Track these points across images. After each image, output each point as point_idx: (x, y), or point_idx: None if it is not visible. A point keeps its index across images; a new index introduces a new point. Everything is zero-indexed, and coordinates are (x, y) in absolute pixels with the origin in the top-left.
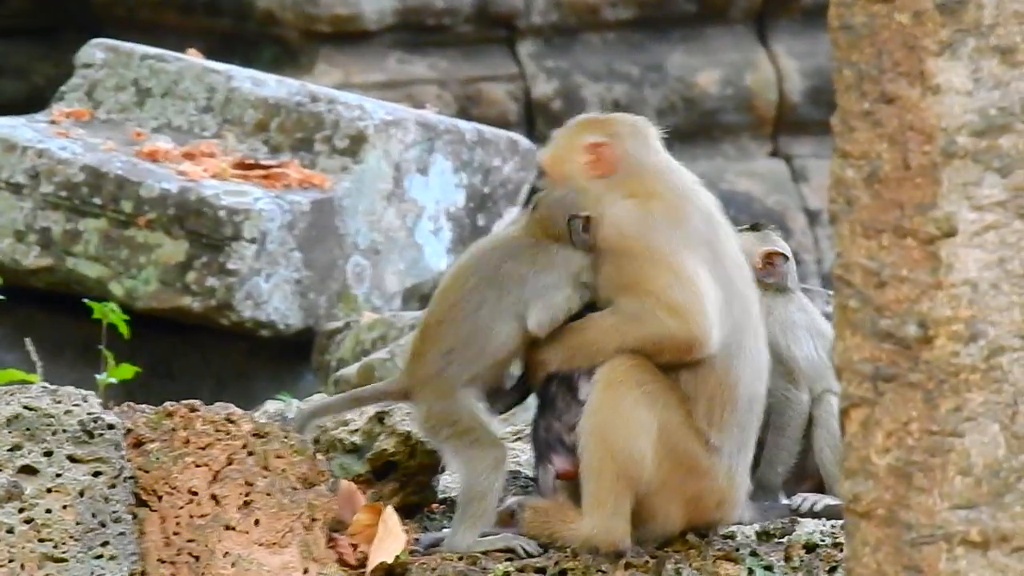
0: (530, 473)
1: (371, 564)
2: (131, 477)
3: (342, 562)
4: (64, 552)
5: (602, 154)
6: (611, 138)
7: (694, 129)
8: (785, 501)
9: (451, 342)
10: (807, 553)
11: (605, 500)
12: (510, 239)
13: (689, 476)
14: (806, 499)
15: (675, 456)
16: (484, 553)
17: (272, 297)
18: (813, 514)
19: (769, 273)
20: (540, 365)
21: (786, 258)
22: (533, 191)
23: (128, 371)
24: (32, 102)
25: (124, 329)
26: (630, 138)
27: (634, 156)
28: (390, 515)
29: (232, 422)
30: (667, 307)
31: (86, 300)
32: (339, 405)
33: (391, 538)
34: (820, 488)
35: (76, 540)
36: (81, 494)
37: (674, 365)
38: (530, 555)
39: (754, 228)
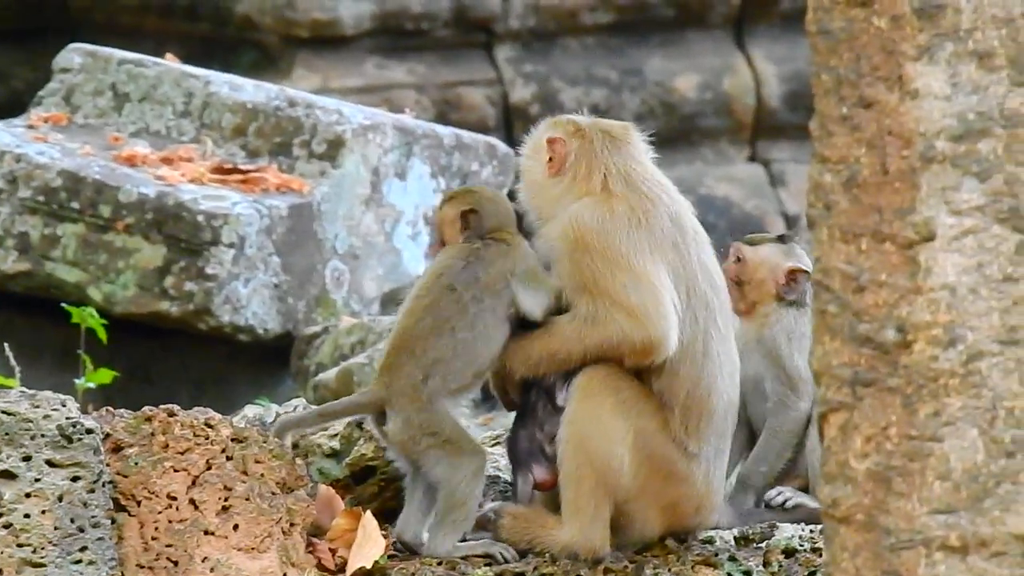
0: (509, 478)
1: (350, 569)
2: (110, 482)
3: (321, 567)
4: (43, 557)
5: (556, 151)
6: (570, 136)
7: (673, 134)
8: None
9: (436, 354)
10: (786, 558)
11: (584, 507)
12: (472, 249)
13: (667, 482)
14: (781, 492)
15: (653, 463)
16: (463, 558)
17: (251, 302)
18: (783, 508)
19: (791, 290)
20: (508, 373)
21: (808, 275)
22: (511, 195)
23: (107, 376)
24: (10, 106)
25: (102, 334)
26: (596, 139)
27: (599, 156)
28: (369, 520)
29: (211, 427)
30: (624, 309)
31: (64, 305)
32: (311, 420)
33: (370, 543)
34: (805, 489)
35: (55, 545)
36: (60, 499)
37: (641, 370)
38: (507, 561)
39: (781, 239)
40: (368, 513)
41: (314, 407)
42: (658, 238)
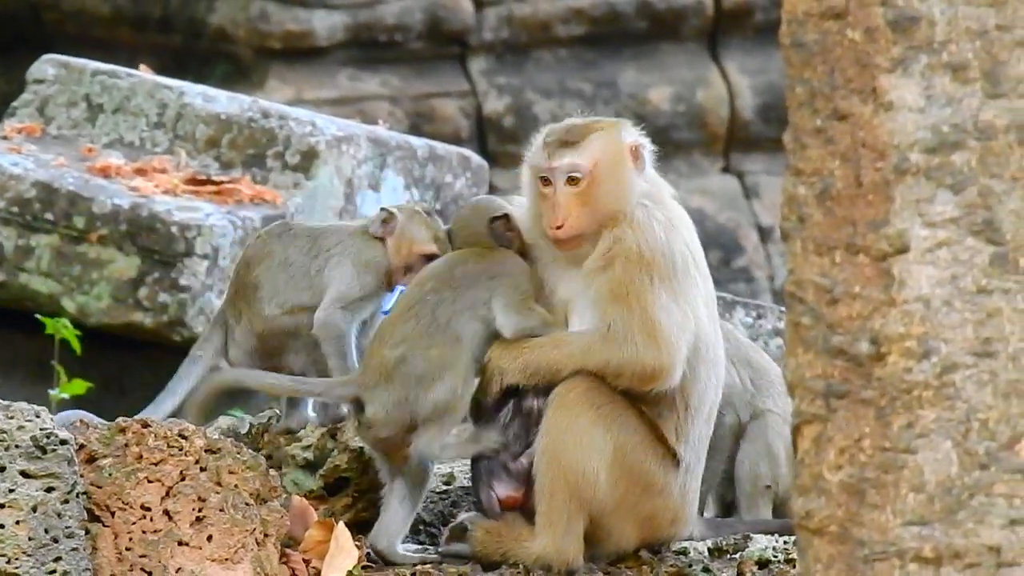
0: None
1: None
2: (84, 493)
3: None
4: (17, 567)
5: (643, 154)
6: (642, 144)
7: None
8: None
9: (405, 332)
10: (760, 569)
11: (557, 520)
12: (459, 254)
13: (644, 495)
14: None
15: (631, 476)
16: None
17: None
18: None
19: None
20: (497, 373)
21: None
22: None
23: (80, 386)
24: None
25: (76, 345)
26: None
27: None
28: (342, 531)
29: (184, 438)
30: (646, 330)
31: (38, 316)
32: (282, 387)
33: (343, 554)
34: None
35: (29, 555)
36: (34, 509)
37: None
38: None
39: None
40: (341, 524)
41: (288, 378)
42: (694, 248)
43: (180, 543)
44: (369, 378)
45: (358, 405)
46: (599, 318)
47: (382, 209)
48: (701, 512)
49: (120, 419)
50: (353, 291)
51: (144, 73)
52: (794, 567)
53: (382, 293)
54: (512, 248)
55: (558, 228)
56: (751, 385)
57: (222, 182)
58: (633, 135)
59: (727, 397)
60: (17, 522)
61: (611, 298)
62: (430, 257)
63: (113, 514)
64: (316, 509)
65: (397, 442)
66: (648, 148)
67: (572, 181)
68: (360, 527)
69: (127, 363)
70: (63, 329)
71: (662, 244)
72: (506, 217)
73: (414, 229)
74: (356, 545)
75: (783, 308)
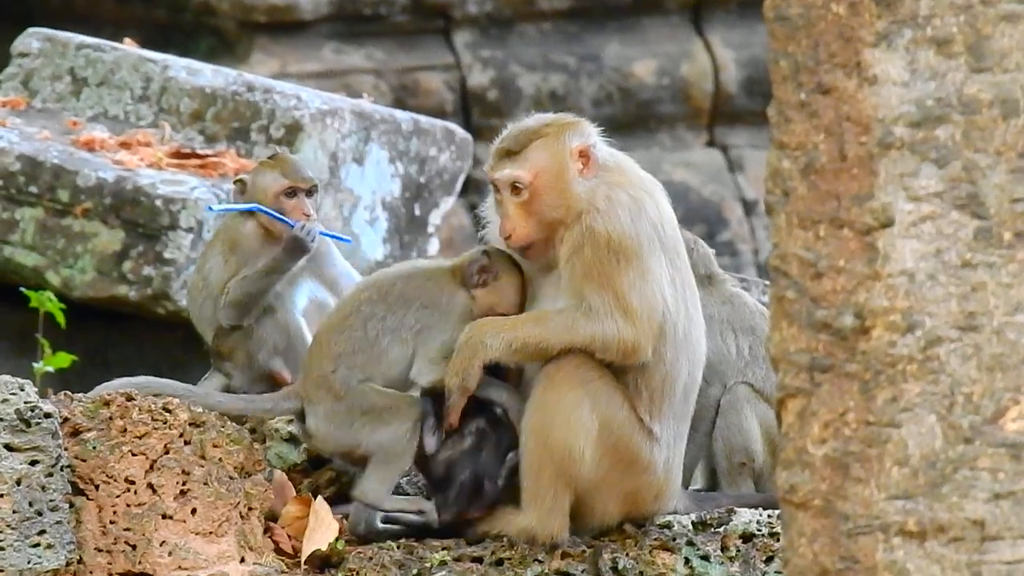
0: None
1: (304, 553)
2: (68, 466)
3: (279, 551)
4: (1, 540)
5: (592, 157)
6: (594, 143)
7: (630, 119)
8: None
9: (340, 347)
10: (744, 543)
11: (543, 496)
12: (419, 267)
13: (628, 472)
14: None
15: (616, 453)
16: (396, 512)
17: None
18: None
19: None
20: (479, 348)
21: None
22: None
23: (65, 360)
24: None
25: (61, 318)
26: (595, 135)
27: (607, 152)
28: (320, 505)
29: (169, 411)
30: (622, 308)
31: (23, 289)
32: (232, 407)
33: (323, 527)
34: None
35: (13, 528)
36: (18, 483)
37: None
38: (435, 525)
39: None
40: (319, 499)
41: (236, 397)
42: (668, 232)
43: (164, 516)
44: (310, 391)
45: (301, 415)
46: (575, 298)
47: (235, 181)
48: (687, 485)
49: (104, 392)
50: (227, 273)
51: (129, 47)
52: (778, 541)
53: (261, 255)
54: (473, 291)
55: (508, 237)
56: (748, 354)
57: (207, 156)
58: (581, 138)
59: (715, 367)
60: (1, 495)
61: (585, 279)
62: (287, 192)
63: (97, 487)
64: (300, 483)
65: (345, 455)
66: (600, 147)
67: (515, 191)
68: (343, 500)
69: (111, 336)
70: (47, 302)
71: (627, 227)
72: (489, 261)
73: (263, 178)
74: (336, 518)
75: (767, 282)
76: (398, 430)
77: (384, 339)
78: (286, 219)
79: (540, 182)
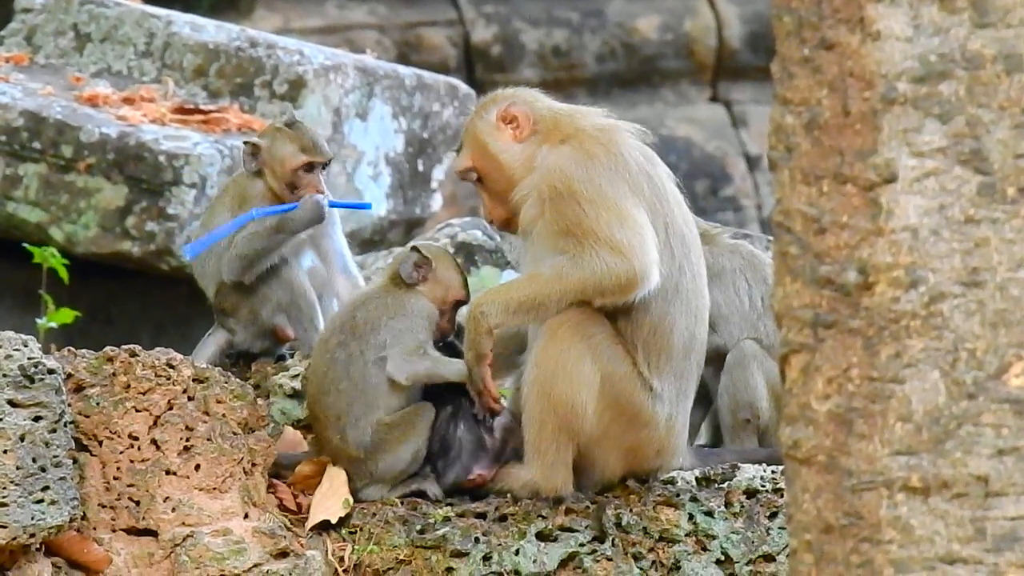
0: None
1: (312, 520)
2: (71, 422)
3: (282, 507)
4: (4, 496)
5: (519, 119)
6: (521, 103)
7: (634, 75)
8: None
9: (335, 411)
10: (748, 499)
11: (546, 450)
12: (363, 294)
13: (630, 426)
14: None
15: (617, 407)
16: (401, 497)
17: None
18: None
19: None
20: (480, 317)
21: None
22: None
23: (68, 316)
24: None
25: (64, 274)
26: (538, 99)
27: (554, 109)
28: (338, 474)
29: (172, 367)
30: (607, 244)
31: (26, 245)
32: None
33: (334, 496)
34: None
35: (16, 485)
36: (21, 439)
37: (614, 309)
38: (438, 498)
39: None
40: (338, 468)
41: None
42: (634, 176)
43: (167, 472)
44: (341, 464)
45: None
46: (556, 254)
47: (245, 143)
48: (692, 439)
49: (108, 348)
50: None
51: (132, 2)
52: (782, 497)
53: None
54: (410, 284)
55: (490, 221)
56: (760, 305)
57: (210, 111)
58: (499, 105)
59: (726, 317)
60: (4, 451)
61: (558, 236)
62: (304, 168)
63: (101, 443)
64: (304, 439)
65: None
66: (536, 107)
67: (471, 180)
68: None
69: (115, 292)
70: (51, 258)
71: (578, 175)
72: (419, 254)
73: (279, 148)
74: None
75: (771, 237)
76: (410, 449)
77: (370, 374)
78: (288, 206)
79: (480, 163)
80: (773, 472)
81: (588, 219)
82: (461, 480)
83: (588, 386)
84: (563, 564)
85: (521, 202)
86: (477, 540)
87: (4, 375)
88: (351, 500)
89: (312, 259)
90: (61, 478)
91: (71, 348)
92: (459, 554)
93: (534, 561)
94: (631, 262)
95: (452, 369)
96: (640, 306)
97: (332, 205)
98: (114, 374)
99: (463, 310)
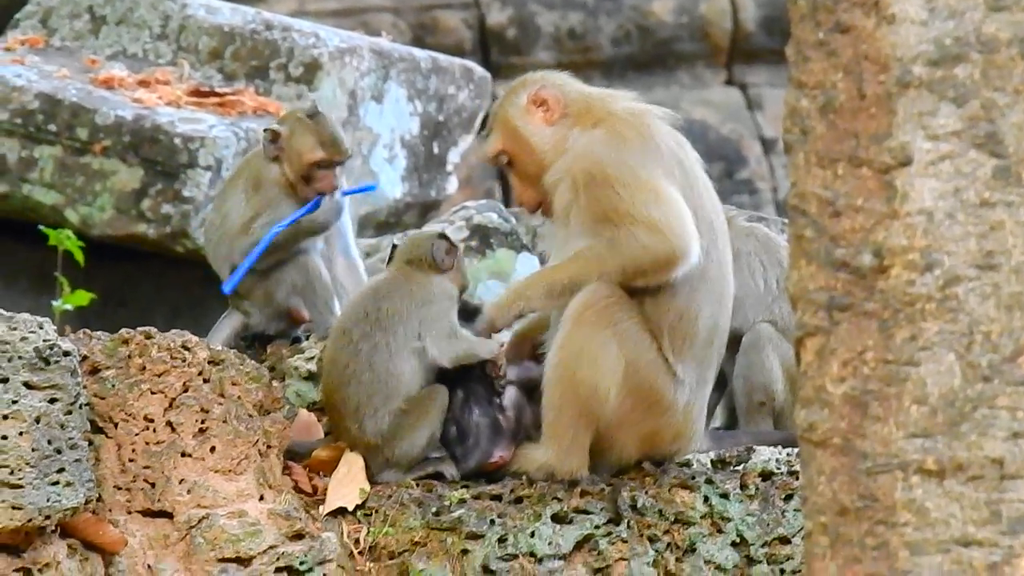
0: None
1: (328, 507)
2: (87, 404)
3: (298, 489)
4: (20, 478)
5: (549, 102)
6: (551, 85)
7: (649, 58)
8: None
9: (355, 401)
10: (763, 481)
11: (564, 434)
12: (382, 282)
13: (650, 412)
14: None
15: (640, 393)
16: (418, 480)
17: None
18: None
19: None
20: (519, 300)
21: None
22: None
23: (83, 298)
24: None
25: (79, 256)
26: (568, 82)
27: (584, 92)
28: (355, 460)
29: (188, 349)
30: (645, 224)
31: (41, 227)
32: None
33: (352, 482)
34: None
35: (32, 467)
36: (37, 421)
37: (644, 291)
38: (455, 479)
39: None
40: (356, 454)
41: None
42: (667, 160)
43: (183, 454)
44: (360, 452)
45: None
46: (593, 238)
47: (265, 130)
48: (708, 422)
49: (123, 330)
50: (249, 211)
51: None
52: (797, 479)
53: (282, 203)
54: (446, 270)
55: (521, 204)
56: (775, 288)
57: (225, 94)
58: (529, 88)
59: (740, 300)
60: (20, 433)
61: (595, 221)
62: (321, 164)
63: (116, 425)
64: (320, 421)
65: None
66: (565, 89)
67: (501, 163)
68: None
69: (130, 274)
70: (66, 240)
71: (611, 158)
72: (448, 241)
73: (299, 140)
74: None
75: (786, 220)
76: (426, 433)
77: (392, 364)
78: (306, 208)
79: (510, 146)
80: (788, 454)
81: (624, 202)
82: (483, 464)
83: (612, 372)
84: (578, 546)
85: (553, 185)
86: (492, 522)
87: (20, 357)
88: (368, 488)
89: (322, 245)
90: (76, 460)
91: (86, 330)
92: (474, 536)
93: (549, 543)
94: (669, 240)
95: (486, 348)
96: (668, 291)
97: (344, 193)
98: (129, 356)
99: (485, 294)
